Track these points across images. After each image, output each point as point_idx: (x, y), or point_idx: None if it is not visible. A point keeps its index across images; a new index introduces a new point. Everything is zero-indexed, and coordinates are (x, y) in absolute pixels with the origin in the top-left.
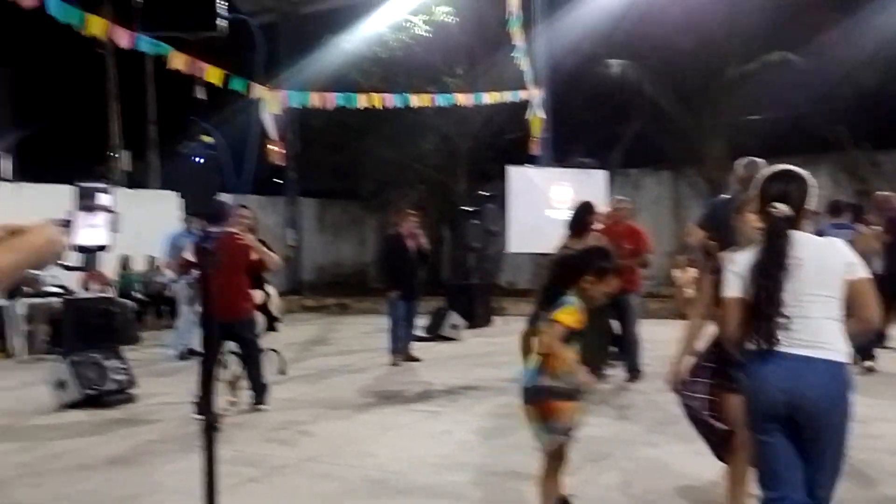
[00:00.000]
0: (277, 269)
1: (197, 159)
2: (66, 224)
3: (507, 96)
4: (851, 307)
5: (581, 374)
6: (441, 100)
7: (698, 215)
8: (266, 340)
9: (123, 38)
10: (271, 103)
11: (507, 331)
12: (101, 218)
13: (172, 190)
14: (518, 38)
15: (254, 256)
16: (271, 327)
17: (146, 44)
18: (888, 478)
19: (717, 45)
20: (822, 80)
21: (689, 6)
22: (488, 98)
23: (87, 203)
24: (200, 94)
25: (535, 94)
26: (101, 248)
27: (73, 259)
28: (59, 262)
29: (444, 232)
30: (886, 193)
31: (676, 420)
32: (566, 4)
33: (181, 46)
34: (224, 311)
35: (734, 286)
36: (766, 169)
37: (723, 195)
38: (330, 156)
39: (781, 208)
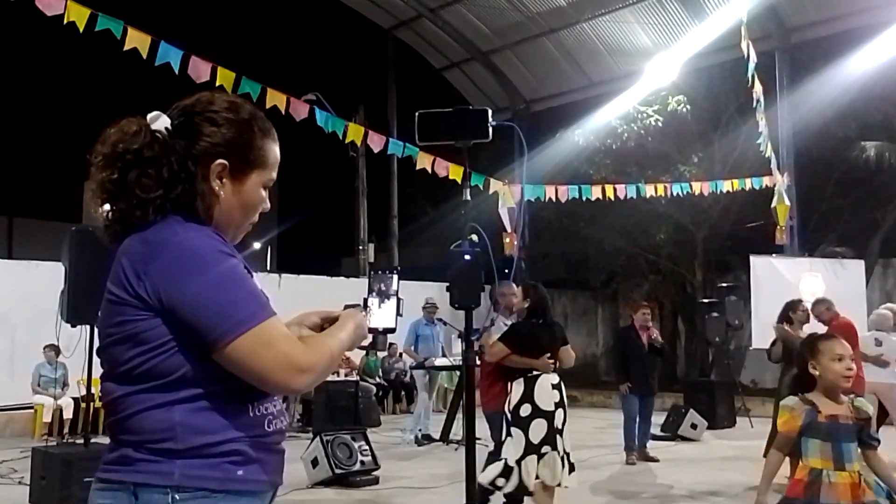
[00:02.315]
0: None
1: (466, 257)
2: (364, 308)
3: (749, 183)
4: None
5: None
6: (677, 188)
7: None
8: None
9: (378, 142)
10: (507, 197)
11: (752, 433)
12: (391, 302)
13: (412, 280)
14: (762, 123)
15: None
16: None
17: (396, 147)
18: None
19: None
20: None
21: None
22: (728, 185)
23: (380, 287)
24: (466, 196)
25: (780, 181)
26: (390, 330)
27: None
28: (362, 344)
29: (679, 325)
30: None
31: None
32: (812, 86)
33: (428, 148)
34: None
35: None
36: None
37: None
38: (559, 246)
39: None
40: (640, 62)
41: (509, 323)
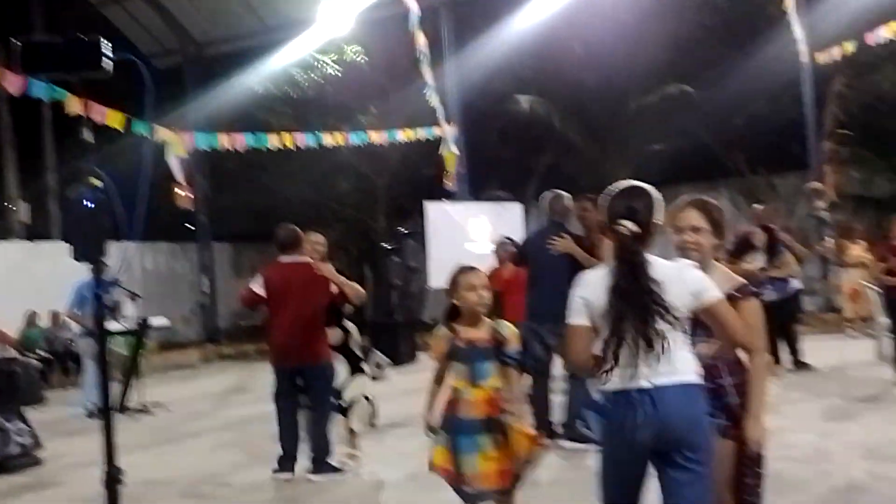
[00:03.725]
0: (362, 301)
1: (86, 204)
2: None
3: (421, 133)
4: (713, 330)
5: (426, 408)
6: (354, 138)
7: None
8: (352, 389)
9: (14, 83)
10: (177, 146)
11: (432, 367)
12: None
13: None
14: (428, 75)
15: (333, 289)
16: (356, 370)
17: (40, 89)
18: (799, 484)
19: (619, 79)
20: (717, 110)
21: (590, 43)
22: (402, 135)
23: None
24: (88, 136)
25: (447, 131)
26: None
27: None
28: None
29: (365, 271)
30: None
31: None
32: (475, 42)
33: (79, 91)
34: (293, 354)
35: (580, 312)
36: (613, 186)
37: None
38: (244, 198)
39: (628, 225)
40: (313, 8)
41: None
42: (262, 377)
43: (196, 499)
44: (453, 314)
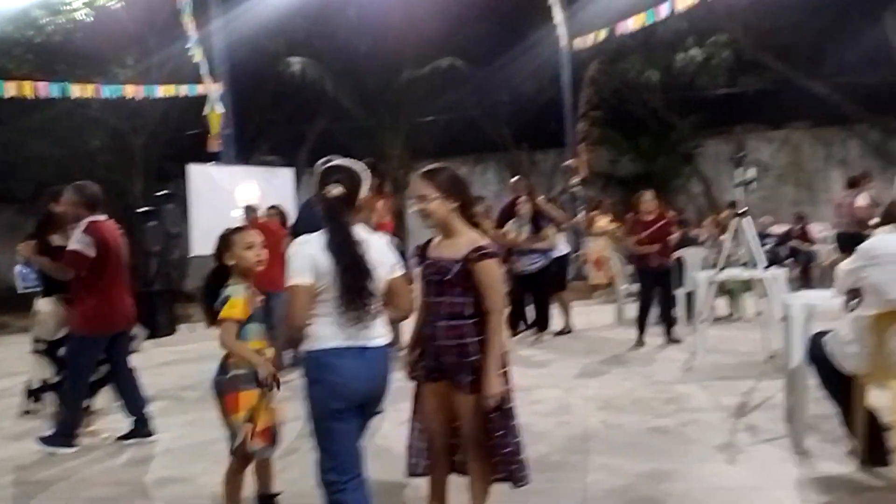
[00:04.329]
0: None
1: None
2: None
3: (183, 90)
4: (390, 299)
5: (259, 362)
6: (107, 91)
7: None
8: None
9: None
10: None
11: (192, 338)
12: None
13: None
14: (191, 28)
15: None
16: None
17: None
18: (543, 437)
19: (392, 48)
20: (486, 86)
21: (364, 9)
22: (162, 91)
23: None
24: None
25: (212, 89)
26: None
27: None
28: None
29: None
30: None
31: None
32: (246, 1)
33: None
34: (126, 318)
35: (306, 269)
36: (325, 159)
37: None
38: None
39: (334, 189)
40: None
41: None
42: (0, 351)
43: None
44: (221, 276)
